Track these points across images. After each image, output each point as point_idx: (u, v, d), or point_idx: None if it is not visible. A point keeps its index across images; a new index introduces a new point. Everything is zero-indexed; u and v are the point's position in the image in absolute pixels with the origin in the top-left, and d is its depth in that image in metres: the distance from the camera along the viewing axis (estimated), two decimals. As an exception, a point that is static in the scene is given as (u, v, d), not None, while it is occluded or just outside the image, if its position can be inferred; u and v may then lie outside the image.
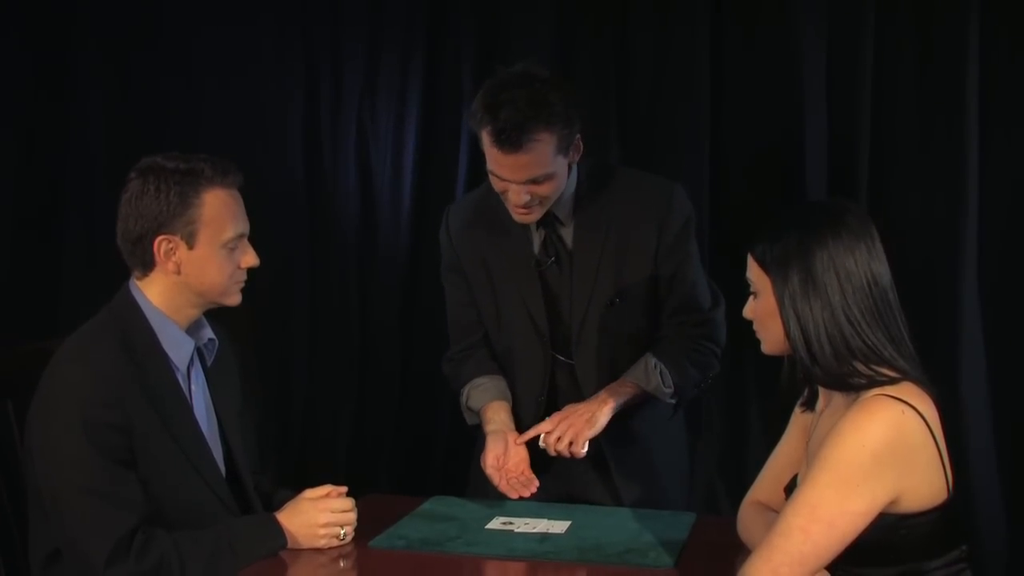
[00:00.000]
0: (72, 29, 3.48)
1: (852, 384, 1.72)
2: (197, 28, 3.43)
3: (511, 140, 2.19)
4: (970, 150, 2.91)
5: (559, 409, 2.37)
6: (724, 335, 2.53)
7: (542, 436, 2.32)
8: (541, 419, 2.39)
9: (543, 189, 2.28)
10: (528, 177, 2.25)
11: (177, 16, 3.44)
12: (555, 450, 2.30)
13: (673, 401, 2.45)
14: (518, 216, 2.35)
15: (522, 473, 2.33)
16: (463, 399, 2.52)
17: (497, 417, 2.41)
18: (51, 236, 3.50)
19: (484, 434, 2.41)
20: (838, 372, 1.72)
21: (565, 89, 2.28)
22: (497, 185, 2.31)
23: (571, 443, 2.29)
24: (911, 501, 1.68)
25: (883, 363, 1.72)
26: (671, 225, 2.43)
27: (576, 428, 2.30)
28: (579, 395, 2.42)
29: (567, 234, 2.43)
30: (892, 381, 1.70)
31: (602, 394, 2.37)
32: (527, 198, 2.28)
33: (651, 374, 2.41)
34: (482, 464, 2.34)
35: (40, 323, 3.34)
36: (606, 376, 2.43)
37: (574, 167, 2.39)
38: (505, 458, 2.34)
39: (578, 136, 2.32)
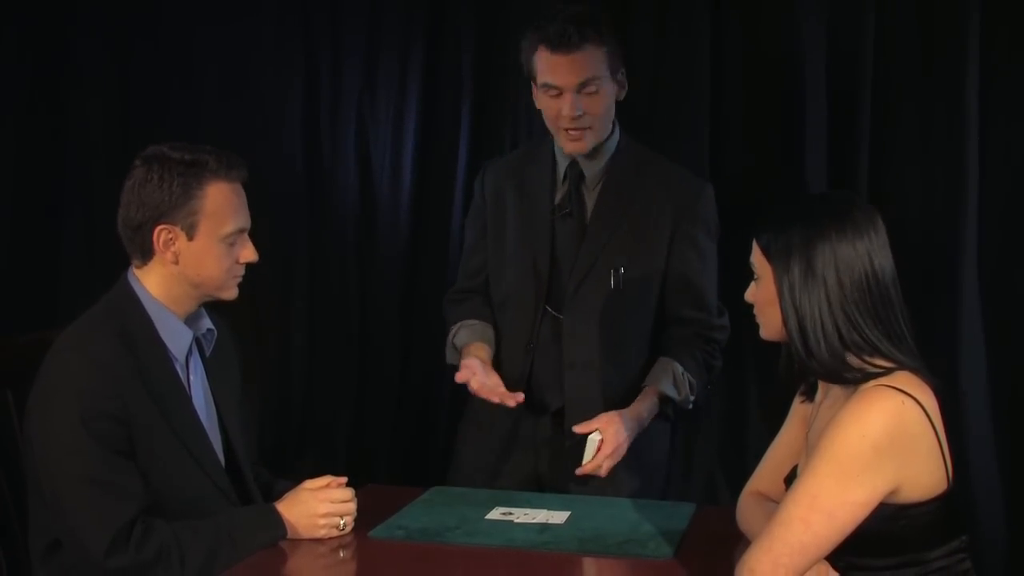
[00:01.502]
0: (71, 23, 3.47)
1: (846, 378, 1.73)
2: (196, 22, 3.42)
3: (568, 39, 2.35)
4: (970, 148, 2.91)
5: (536, 363, 2.48)
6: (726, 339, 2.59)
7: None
8: (528, 369, 2.49)
9: (594, 104, 2.40)
10: (583, 78, 2.38)
11: (177, 10, 3.43)
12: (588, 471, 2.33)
13: (690, 408, 2.50)
14: (569, 142, 2.45)
15: (501, 392, 2.36)
16: (451, 335, 2.58)
17: (477, 354, 2.47)
18: (50, 227, 3.49)
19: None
20: (832, 365, 1.73)
21: (606, 17, 2.46)
22: (551, 108, 2.42)
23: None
24: (911, 491, 1.68)
25: (880, 357, 1.72)
26: (693, 217, 2.50)
27: (610, 457, 2.31)
28: (558, 349, 2.48)
29: (591, 194, 2.51)
30: (888, 372, 1.71)
31: (635, 415, 2.38)
32: (580, 111, 2.39)
33: (681, 384, 2.46)
34: (457, 374, 2.39)
35: (39, 314, 3.34)
36: (589, 339, 2.47)
37: (617, 126, 2.51)
38: (482, 374, 2.38)
39: (623, 71, 2.46)
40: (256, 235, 2.12)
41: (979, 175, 2.92)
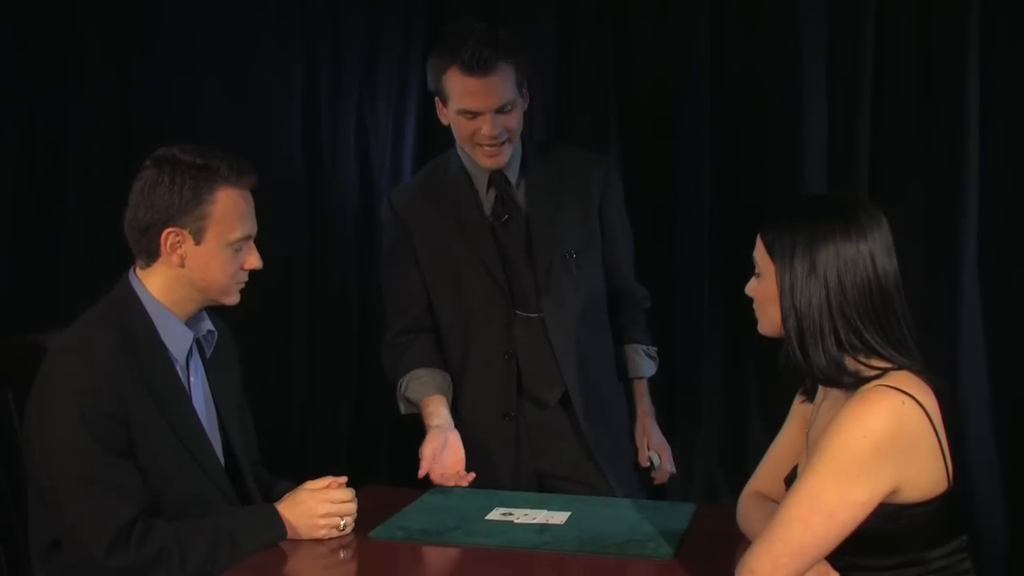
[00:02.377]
0: (72, 23, 3.47)
1: (841, 382, 1.73)
2: (197, 20, 3.42)
3: (481, 64, 2.37)
4: (970, 148, 2.91)
5: (523, 364, 2.53)
6: None
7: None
8: (514, 374, 2.53)
9: (510, 120, 2.45)
10: (499, 102, 2.41)
11: (177, 8, 3.43)
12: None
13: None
14: (488, 159, 2.49)
15: (458, 472, 2.40)
16: (401, 389, 2.57)
17: (440, 412, 2.49)
18: (51, 228, 3.49)
19: (427, 427, 2.46)
20: (826, 368, 1.73)
21: (510, 33, 2.47)
22: (466, 128, 2.46)
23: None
24: (911, 491, 1.68)
25: (879, 359, 1.72)
26: (611, 190, 2.63)
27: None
28: (545, 349, 2.53)
29: (519, 194, 2.56)
30: (888, 372, 1.70)
31: (648, 410, 2.67)
32: (499, 129, 2.43)
33: (655, 358, 2.71)
34: (420, 451, 2.40)
35: (40, 314, 3.34)
36: (575, 327, 2.55)
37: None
38: (443, 454, 2.40)
39: (527, 82, 2.51)
40: (257, 234, 2.12)
41: (979, 175, 2.92)
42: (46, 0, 3.45)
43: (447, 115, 2.49)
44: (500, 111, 2.42)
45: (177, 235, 2.03)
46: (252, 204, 2.10)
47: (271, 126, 3.42)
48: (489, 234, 2.54)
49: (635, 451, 2.65)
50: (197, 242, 2.04)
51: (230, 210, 2.05)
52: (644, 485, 2.67)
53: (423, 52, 3.27)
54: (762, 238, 1.79)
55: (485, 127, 2.43)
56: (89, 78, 3.48)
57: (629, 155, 3.16)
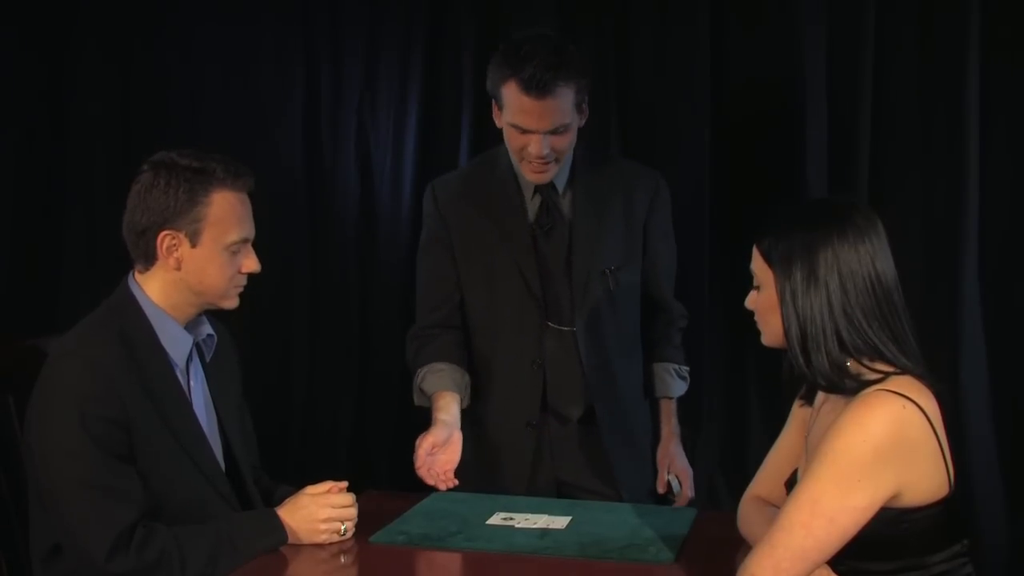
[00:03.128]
0: (74, 22, 3.47)
1: (845, 388, 1.72)
2: (197, 23, 3.42)
3: (541, 86, 2.30)
4: (970, 150, 2.91)
5: (550, 376, 2.50)
6: None
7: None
8: (540, 385, 2.49)
9: (562, 142, 2.39)
10: (553, 125, 2.35)
11: (178, 10, 3.43)
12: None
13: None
14: (533, 174, 2.43)
15: (446, 472, 2.36)
16: (418, 379, 2.54)
17: (450, 408, 2.45)
18: (52, 231, 3.49)
19: (434, 420, 2.43)
20: (830, 374, 1.72)
21: (577, 49, 2.41)
22: (516, 141, 2.39)
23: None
24: (913, 496, 1.68)
25: (884, 361, 1.72)
26: (660, 207, 2.57)
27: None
28: (573, 361, 2.49)
29: (564, 203, 2.51)
30: (886, 376, 1.70)
31: (675, 431, 2.58)
32: (547, 150, 2.37)
33: (686, 379, 2.63)
34: (417, 441, 2.36)
35: (40, 318, 3.34)
36: (607, 344, 2.51)
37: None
38: (441, 450, 2.36)
39: (586, 100, 2.43)
40: (256, 236, 2.12)
41: (979, 176, 2.92)
42: (48, 1, 3.45)
43: (500, 120, 2.44)
44: (552, 132, 2.36)
45: (173, 238, 2.03)
46: (249, 207, 2.09)
47: (271, 128, 3.42)
48: (530, 241, 2.50)
49: (655, 475, 2.57)
50: (193, 245, 2.04)
51: (226, 212, 2.04)
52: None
53: (424, 54, 3.29)
54: (758, 248, 1.79)
55: (533, 146, 2.37)
56: (90, 80, 3.48)
57: (629, 156, 3.15)
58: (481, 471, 2.54)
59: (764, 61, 3.09)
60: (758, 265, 1.79)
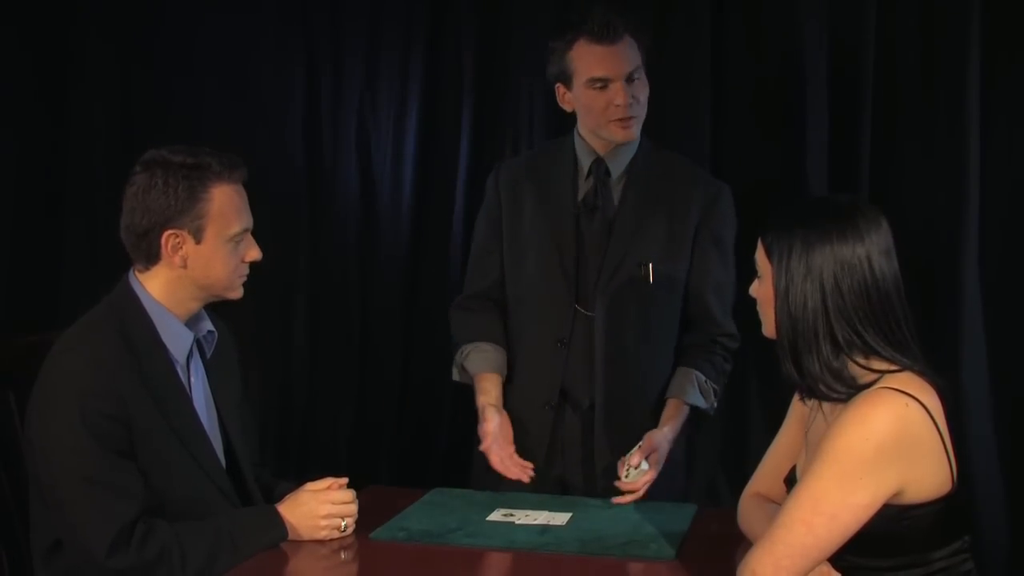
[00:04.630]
0: (74, 22, 3.48)
1: (836, 392, 1.72)
2: (198, 20, 3.42)
3: (612, 30, 2.39)
4: (971, 150, 2.91)
5: (570, 359, 2.48)
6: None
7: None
8: (561, 366, 2.49)
9: (641, 90, 2.44)
10: (631, 67, 2.41)
11: (178, 8, 3.44)
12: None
13: (711, 414, 2.55)
14: (622, 130, 2.46)
15: (514, 460, 2.39)
16: (460, 355, 2.56)
17: (494, 392, 2.48)
18: (52, 228, 3.50)
19: (479, 403, 2.46)
20: (819, 375, 1.72)
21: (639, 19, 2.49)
22: (598, 100, 2.43)
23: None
24: (914, 492, 1.68)
25: (880, 359, 1.72)
26: (717, 216, 2.52)
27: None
28: (591, 347, 2.48)
29: (616, 191, 2.52)
30: (886, 374, 1.70)
31: (668, 435, 2.42)
32: (630, 98, 2.41)
33: (707, 393, 2.50)
34: (480, 429, 2.38)
35: (41, 315, 3.34)
36: (622, 333, 2.48)
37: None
38: (502, 441, 2.40)
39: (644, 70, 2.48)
40: (257, 235, 2.13)
41: (980, 176, 2.92)
42: (48, 2, 3.45)
43: (571, 99, 2.48)
44: (629, 79, 2.41)
45: (177, 237, 2.02)
46: (246, 197, 2.10)
47: (272, 127, 3.42)
48: (572, 221, 2.51)
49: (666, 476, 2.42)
50: (198, 241, 2.03)
51: (226, 206, 2.04)
52: None
53: (424, 53, 3.29)
54: (762, 240, 1.79)
55: (618, 96, 2.41)
56: (90, 79, 3.48)
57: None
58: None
59: (764, 61, 3.10)
60: (760, 257, 1.80)
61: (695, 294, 2.53)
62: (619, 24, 2.39)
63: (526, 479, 2.37)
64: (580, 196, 2.52)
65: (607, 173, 2.51)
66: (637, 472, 2.30)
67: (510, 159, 2.73)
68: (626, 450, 2.40)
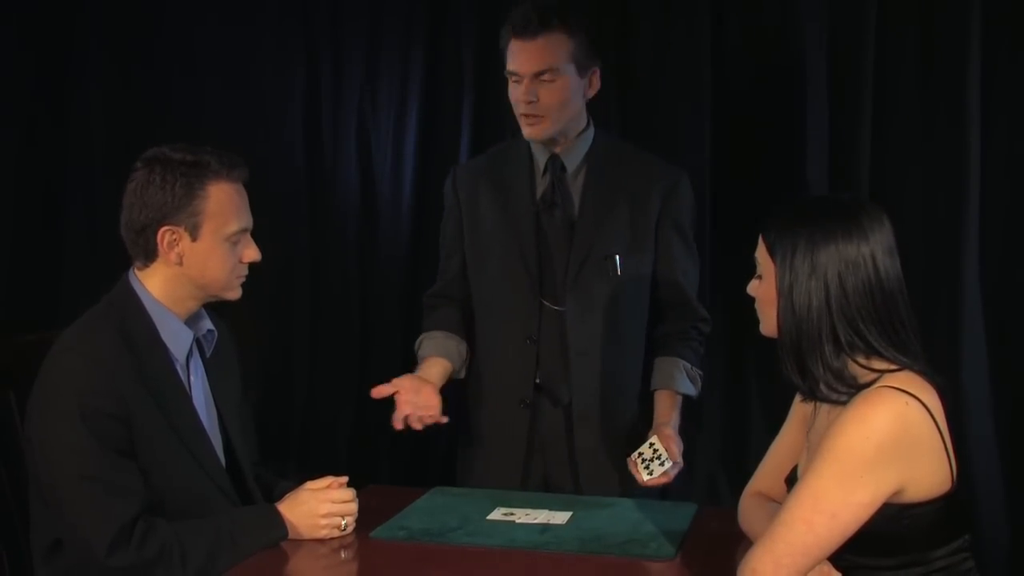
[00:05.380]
0: (74, 21, 3.48)
1: (837, 393, 1.72)
2: (198, 20, 3.42)
3: (528, 26, 2.37)
4: (971, 148, 2.91)
5: (542, 355, 2.49)
6: None
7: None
8: (533, 363, 2.50)
9: (549, 94, 2.41)
10: (538, 67, 2.38)
11: (179, 9, 3.44)
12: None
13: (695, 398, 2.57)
14: (526, 127, 2.46)
15: (429, 407, 2.40)
16: (417, 343, 2.60)
17: (431, 371, 2.50)
18: (53, 227, 3.50)
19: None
20: (823, 376, 1.72)
21: (584, 18, 2.46)
22: (512, 94, 2.44)
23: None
24: (915, 491, 1.68)
25: (881, 359, 1.72)
26: (677, 204, 2.54)
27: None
28: (563, 342, 2.49)
29: (574, 187, 2.52)
30: (886, 373, 1.70)
31: (671, 421, 2.43)
32: (532, 97, 2.39)
33: (694, 379, 2.54)
34: (376, 388, 2.41)
35: (41, 314, 3.34)
36: (593, 327, 2.49)
37: (591, 122, 2.53)
38: (416, 393, 2.40)
39: (596, 70, 2.47)
40: (257, 234, 2.13)
41: (980, 175, 2.92)
42: (48, 2, 3.45)
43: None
44: (538, 76, 2.39)
45: (173, 233, 2.03)
46: (246, 197, 2.10)
47: (272, 126, 3.42)
48: (532, 218, 2.52)
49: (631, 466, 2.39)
50: (194, 239, 2.04)
51: (223, 204, 2.05)
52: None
53: (424, 52, 3.29)
54: (764, 238, 1.79)
55: (520, 92, 2.41)
56: (91, 79, 3.48)
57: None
58: (478, 449, 2.57)
59: (764, 60, 3.10)
60: (762, 255, 1.79)
61: (668, 282, 2.55)
62: (536, 20, 2.36)
63: (428, 421, 2.38)
64: (538, 194, 2.53)
65: (563, 169, 2.52)
66: (659, 466, 2.28)
67: (467, 162, 2.75)
68: (607, 444, 2.45)
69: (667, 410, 2.47)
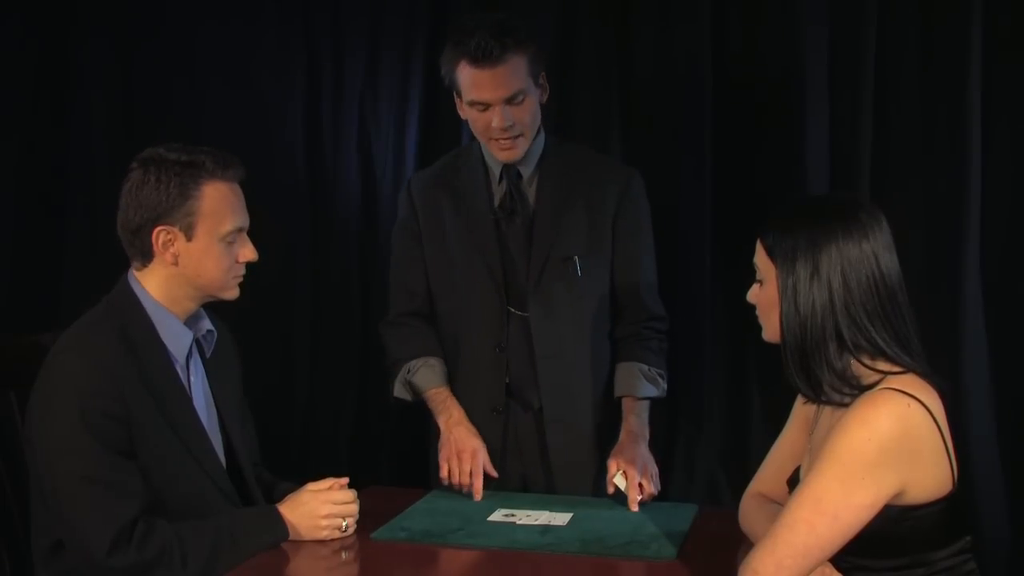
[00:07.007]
0: (74, 21, 3.47)
1: (840, 394, 1.72)
2: (199, 20, 3.42)
3: (489, 55, 2.34)
4: (972, 148, 2.90)
5: (512, 362, 2.51)
6: None
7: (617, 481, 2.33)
8: (503, 370, 2.51)
9: (522, 113, 2.41)
10: (509, 92, 2.38)
11: (179, 8, 3.43)
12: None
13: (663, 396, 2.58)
14: (503, 151, 2.46)
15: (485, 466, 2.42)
16: (405, 371, 2.57)
17: (455, 407, 2.50)
18: (53, 228, 3.49)
19: (442, 419, 2.49)
20: (828, 379, 1.72)
21: (524, 22, 2.45)
22: (480, 121, 2.43)
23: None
24: (916, 493, 1.68)
25: (886, 360, 1.72)
26: (632, 202, 2.56)
27: (644, 477, 2.32)
28: (529, 348, 2.50)
29: (530, 192, 2.53)
30: (889, 375, 1.70)
31: (635, 429, 2.44)
32: (510, 121, 2.39)
33: (655, 381, 2.53)
34: (470, 447, 2.40)
35: (42, 315, 3.33)
36: (558, 330, 2.51)
37: (541, 130, 2.53)
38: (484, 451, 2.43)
39: (543, 75, 2.46)
40: (258, 234, 2.12)
41: (981, 175, 2.92)
42: (48, 2, 3.45)
43: (463, 109, 2.47)
44: (510, 102, 2.39)
45: (168, 233, 2.03)
46: (241, 196, 2.10)
47: (273, 125, 3.42)
48: (492, 226, 2.53)
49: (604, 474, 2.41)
50: (188, 238, 2.04)
51: (218, 203, 2.05)
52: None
53: (425, 51, 3.28)
54: (762, 242, 1.79)
55: (496, 119, 2.40)
56: (92, 79, 3.48)
57: (630, 156, 3.15)
58: None
59: (765, 61, 3.09)
60: (761, 259, 1.79)
61: (622, 284, 2.57)
62: (496, 46, 2.33)
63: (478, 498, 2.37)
64: (496, 201, 2.54)
65: (519, 176, 2.53)
66: (624, 484, 2.29)
67: (419, 173, 2.75)
68: (579, 445, 2.49)
69: (632, 419, 2.47)
